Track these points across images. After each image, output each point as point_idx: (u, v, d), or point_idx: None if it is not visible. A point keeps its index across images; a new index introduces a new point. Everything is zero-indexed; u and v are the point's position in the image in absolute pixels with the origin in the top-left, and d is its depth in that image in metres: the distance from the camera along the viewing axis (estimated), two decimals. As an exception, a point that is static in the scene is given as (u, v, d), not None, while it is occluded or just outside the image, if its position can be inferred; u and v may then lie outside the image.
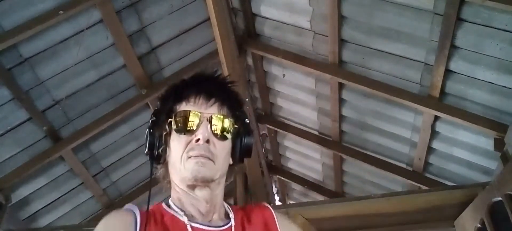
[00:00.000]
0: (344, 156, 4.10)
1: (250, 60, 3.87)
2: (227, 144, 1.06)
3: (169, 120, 1.05)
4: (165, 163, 1.09)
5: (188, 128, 1.02)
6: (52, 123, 3.24)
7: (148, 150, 1.06)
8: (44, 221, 3.64)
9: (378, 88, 3.15)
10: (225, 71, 3.11)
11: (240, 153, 1.10)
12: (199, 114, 1.03)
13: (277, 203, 5.33)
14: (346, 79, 3.29)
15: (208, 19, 3.36)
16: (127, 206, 1.06)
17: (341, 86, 3.44)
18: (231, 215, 1.07)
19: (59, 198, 3.64)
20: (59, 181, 3.57)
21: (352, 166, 4.26)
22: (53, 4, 2.74)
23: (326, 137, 4.07)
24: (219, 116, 1.04)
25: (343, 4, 2.90)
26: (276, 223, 1.09)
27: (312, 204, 3.56)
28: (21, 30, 2.69)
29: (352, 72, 3.25)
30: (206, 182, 1.01)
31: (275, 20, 3.37)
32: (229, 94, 1.11)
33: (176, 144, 1.03)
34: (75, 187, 3.70)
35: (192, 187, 1.02)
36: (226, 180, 1.10)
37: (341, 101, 3.60)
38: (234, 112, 1.09)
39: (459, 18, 2.52)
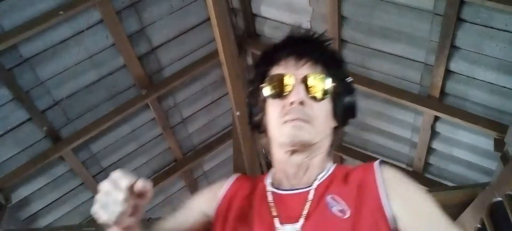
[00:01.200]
0: (344, 156, 4.10)
1: (250, 60, 3.87)
2: (325, 104, 1.00)
3: (262, 86, 1.02)
4: (265, 131, 1.05)
5: (281, 92, 0.98)
6: (52, 123, 3.24)
7: (248, 119, 1.06)
8: (44, 221, 3.64)
9: (378, 88, 3.15)
10: (225, 71, 3.11)
11: (342, 113, 1.03)
12: (291, 76, 0.98)
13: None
14: (346, 79, 3.29)
15: (208, 19, 3.36)
16: (224, 182, 1.09)
17: (341, 86, 3.44)
18: (321, 176, 0.99)
19: (59, 198, 3.64)
20: (59, 181, 3.57)
21: (352, 166, 4.26)
22: (53, 4, 2.74)
23: (326, 137, 4.07)
24: (312, 76, 0.98)
25: (343, 4, 2.90)
26: (376, 183, 0.93)
27: (312, 204, 3.56)
28: (21, 30, 2.69)
29: (352, 72, 3.24)
30: (305, 146, 0.96)
31: (275, 20, 3.37)
32: (324, 53, 1.04)
33: (271, 109, 1.00)
34: (75, 187, 3.70)
35: (290, 153, 0.98)
36: (333, 144, 1.04)
37: (341, 101, 3.59)
38: (330, 71, 1.02)
39: (459, 18, 2.52)
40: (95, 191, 4.01)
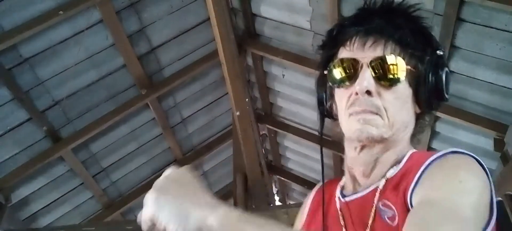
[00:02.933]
0: (344, 156, 4.09)
1: (250, 60, 3.87)
2: (402, 90, 0.82)
3: (325, 73, 0.88)
4: (337, 118, 0.90)
5: (345, 79, 0.83)
6: (52, 123, 3.24)
7: (318, 106, 0.92)
8: (44, 221, 3.64)
9: (378, 88, 3.15)
10: (225, 71, 3.11)
11: (427, 97, 0.84)
12: (356, 60, 0.82)
13: (277, 203, 5.33)
14: (346, 79, 3.29)
15: (208, 19, 3.36)
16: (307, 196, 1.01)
17: (341, 86, 3.44)
18: (391, 173, 0.82)
19: (59, 198, 3.64)
20: (59, 181, 3.57)
21: (352, 166, 4.25)
22: (53, 4, 2.74)
23: (326, 137, 4.06)
24: (382, 58, 0.80)
25: (343, 4, 2.90)
26: (416, 173, 0.75)
27: (312, 204, 3.56)
28: (21, 30, 2.69)
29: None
30: (374, 142, 0.82)
31: (275, 20, 3.37)
32: (398, 27, 0.84)
33: (338, 98, 0.86)
34: (75, 187, 3.70)
35: (361, 149, 0.84)
36: (417, 133, 0.88)
37: (341, 101, 3.59)
38: (407, 49, 0.83)
39: (459, 18, 2.52)
40: (95, 191, 4.02)
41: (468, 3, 2.44)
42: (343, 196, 0.88)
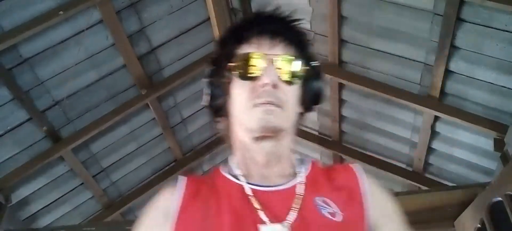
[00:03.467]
0: (344, 156, 4.10)
1: (250, 60, 3.86)
2: (296, 89, 0.93)
3: (230, 65, 0.93)
4: (227, 115, 0.97)
5: (253, 72, 0.90)
6: (52, 123, 3.24)
7: (208, 102, 0.97)
8: (44, 221, 3.64)
9: (378, 88, 3.15)
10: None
11: (310, 99, 0.97)
12: (264, 56, 0.90)
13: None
14: (346, 79, 3.29)
15: (208, 19, 3.36)
16: (176, 182, 0.94)
17: (341, 86, 3.44)
18: (301, 170, 0.94)
19: (59, 198, 3.64)
20: (59, 181, 3.57)
21: (352, 166, 4.25)
22: (53, 4, 2.74)
23: (326, 137, 4.07)
24: (287, 57, 0.91)
25: (343, 4, 2.90)
26: (361, 191, 0.93)
27: (312, 204, 3.56)
28: (21, 30, 2.68)
29: (352, 72, 3.25)
30: (275, 132, 0.90)
31: (275, 20, 3.36)
32: (296, 33, 0.97)
33: (240, 91, 0.91)
34: (75, 187, 3.70)
35: (259, 139, 0.90)
36: (296, 131, 0.99)
37: (341, 101, 3.60)
38: (302, 54, 0.95)
39: (459, 18, 2.52)
40: (95, 191, 4.01)
41: (468, 3, 2.44)
42: (253, 184, 0.91)
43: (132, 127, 3.70)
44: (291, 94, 0.92)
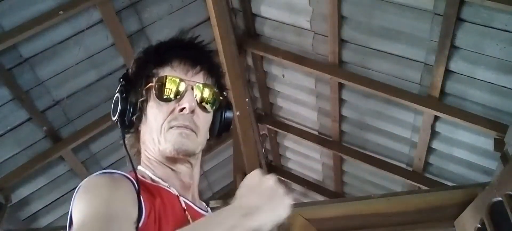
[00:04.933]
0: (344, 156, 4.10)
1: (250, 60, 3.87)
2: (209, 116, 1.00)
3: (149, 84, 0.95)
4: (137, 131, 1.00)
5: (172, 95, 0.93)
6: (52, 123, 3.24)
7: (119, 116, 0.97)
8: (44, 221, 3.64)
9: (378, 88, 3.15)
10: (225, 72, 3.11)
11: (220, 127, 1.04)
12: (185, 81, 0.94)
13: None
14: (346, 79, 3.29)
15: (208, 19, 3.36)
16: (114, 171, 0.88)
17: (341, 86, 3.44)
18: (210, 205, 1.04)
19: (59, 198, 3.64)
20: (59, 181, 3.57)
21: (352, 166, 4.26)
22: (53, 4, 2.74)
23: (326, 137, 4.07)
24: (206, 85, 0.96)
25: (343, 4, 2.90)
26: None
27: (312, 204, 3.57)
28: (21, 30, 2.69)
29: (352, 72, 3.25)
30: (187, 156, 0.94)
31: (275, 20, 3.37)
32: (213, 64, 1.03)
33: (156, 111, 0.94)
34: (75, 187, 3.69)
35: (173, 160, 0.94)
36: (202, 156, 1.04)
37: (341, 101, 3.60)
38: (219, 83, 1.02)
39: (459, 18, 2.52)
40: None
41: (468, 3, 2.44)
42: (186, 199, 0.94)
43: (132, 127, 3.70)
44: (205, 121, 0.97)
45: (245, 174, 3.97)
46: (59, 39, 2.93)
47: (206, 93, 0.96)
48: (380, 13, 2.81)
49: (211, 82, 0.99)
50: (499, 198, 2.46)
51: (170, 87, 0.94)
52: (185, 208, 0.91)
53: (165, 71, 0.96)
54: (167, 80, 0.94)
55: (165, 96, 0.94)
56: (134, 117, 0.98)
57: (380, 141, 3.72)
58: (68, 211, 0.85)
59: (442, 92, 2.92)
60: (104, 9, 2.93)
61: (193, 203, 0.96)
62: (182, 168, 0.96)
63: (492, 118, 2.80)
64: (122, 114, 0.97)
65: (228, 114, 1.05)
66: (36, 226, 3.60)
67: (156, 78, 0.95)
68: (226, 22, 3.06)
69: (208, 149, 1.04)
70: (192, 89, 0.94)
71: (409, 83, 3.05)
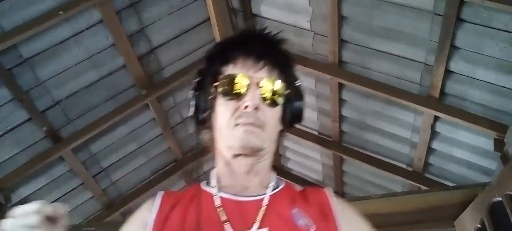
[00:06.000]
0: (344, 156, 4.10)
1: (250, 61, 3.86)
2: (278, 110, 0.98)
3: (215, 82, 0.97)
4: (210, 128, 1.01)
5: (236, 93, 0.94)
6: (52, 123, 3.24)
7: (193, 113, 1.01)
8: (44, 221, 3.64)
9: (378, 88, 3.15)
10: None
11: (291, 118, 1.02)
12: (248, 78, 0.94)
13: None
14: (346, 79, 3.29)
15: (208, 19, 3.37)
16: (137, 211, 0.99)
17: (341, 86, 3.44)
18: (273, 186, 0.99)
19: (59, 198, 3.64)
20: (59, 181, 3.57)
21: (352, 166, 4.26)
22: (53, 4, 2.74)
23: (326, 137, 4.07)
24: (269, 80, 0.95)
25: (343, 4, 2.90)
26: (333, 211, 0.96)
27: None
28: (21, 30, 2.68)
29: (352, 72, 3.25)
30: (254, 151, 0.94)
31: (275, 20, 3.37)
32: (280, 56, 1.01)
33: (223, 109, 0.95)
34: (75, 187, 3.70)
35: (238, 155, 0.95)
36: (277, 146, 1.04)
37: (341, 101, 3.60)
38: (285, 76, 1.00)
39: (459, 19, 2.52)
40: (95, 191, 4.02)
41: (468, 3, 2.44)
42: (226, 193, 0.96)
43: (132, 127, 3.70)
44: (272, 115, 0.97)
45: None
46: (59, 39, 2.93)
47: (270, 88, 0.95)
48: (380, 13, 2.81)
49: (276, 75, 0.98)
50: (499, 198, 2.46)
51: (233, 85, 0.94)
52: (219, 206, 0.93)
53: (229, 69, 0.97)
54: (230, 78, 0.95)
55: (229, 95, 0.95)
56: (205, 114, 1.00)
57: (380, 141, 3.72)
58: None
59: (442, 92, 2.92)
60: (104, 9, 2.93)
61: (239, 195, 0.95)
62: (245, 162, 0.96)
63: (492, 118, 2.80)
64: (195, 111, 1.01)
65: (298, 104, 1.03)
66: (36, 226, 3.60)
67: (221, 76, 0.97)
68: (226, 22, 3.07)
69: (281, 139, 1.05)
70: (256, 85, 0.94)
71: (409, 83, 3.05)
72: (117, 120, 3.47)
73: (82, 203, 3.81)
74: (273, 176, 1.02)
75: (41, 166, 3.29)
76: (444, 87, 2.90)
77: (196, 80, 1.02)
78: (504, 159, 2.67)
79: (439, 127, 3.20)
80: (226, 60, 0.98)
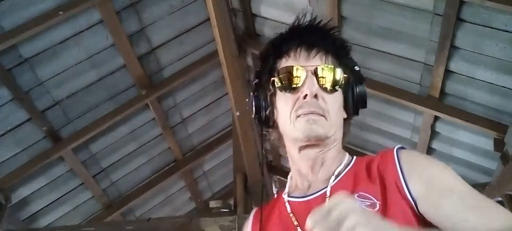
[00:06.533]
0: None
1: (250, 60, 3.87)
2: (338, 96, 0.96)
3: (272, 78, 0.97)
4: (275, 126, 1.00)
5: (293, 85, 0.93)
6: (52, 123, 3.24)
7: (255, 114, 1.00)
8: (44, 221, 3.64)
9: (378, 88, 3.15)
10: (225, 71, 3.11)
11: (353, 104, 0.99)
12: (303, 68, 0.93)
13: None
14: (346, 79, 3.29)
15: (208, 19, 3.36)
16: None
17: (341, 86, 3.44)
18: (339, 171, 0.95)
19: (59, 198, 3.64)
20: (59, 181, 3.57)
21: (352, 166, 4.26)
22: (53, 4, 2.74)
23: (326, 137, 4.07)
24: (324, 67, 0.94)
25: (343, 4, 2.90)
26: (395, 169, 0.88)
27: (312, 204, 3.56)
28: (21, 30, 2.69)
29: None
30: (319, 140, 0.93)
31: (275, 20, 3.37)
32: (333, 42, 1.00)
33: (283, 103, 0.95)
34: (75, 187, 3.70)
35: (305, 147, 0.94)
36: (345, 135, 1.02)
37: (341, 101, 3.59)
38: (341, 61, 0.99)
39: (458, 19, 2.52)
40: (95, 191, 4.00)
41: (468, 3, 2.44)
42: (295, 197, 0.97)
43: (132, 127, 3.70)
44: (333, 102, 0.94)
45: (245, 174, 3.98)
46: (59, 39, 2.93)
47: (326, 74, 0.94)
48: (380, 13, 2.81)
49: (331, 61, 0.97)
50: (499, 198, 2.46)
51: (289, 77, 0.94)
52: (290, 212, 0.95)
53: (283, 63, 0.97)
54: (285, 71, 0.95)
55: (286, 88, 0.94)
56: (267, 112, 0.99)
57: (380, 141, 3.72)
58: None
59: (442, 92, 2.92)
60: (104, 9, 2.93)
61: (303, 197, 0.95)
62: (311, 153, 0.95)
63: (492, 118, 2.80)
64: (257, 111, 1.00)
65: (360, 89, 0.99)
66: (36, 226, 3.60)
67: (277, 71, 0.97)
68: (226, 22, 3.06)
69: (347, 128, 1.04)
70: (314, 73, 0.93)
71: (409, 83, 3.05)
72: (117, 120, 3.47)
73: (82, 203, 3.81)
74: (341, 161, 0.98)
75: (41, 166, 3.29)
76: (444, 87, 2.90)
77: (254, 81, 1.02)
78: (504, 159, 2.67)
79: (439, 127, 3.20)
80: (279, 55, 0.98)
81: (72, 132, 3.35)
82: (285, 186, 1.03)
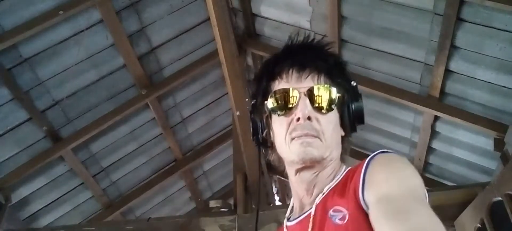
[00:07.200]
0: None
1: (250, 60, 3.87)
2: (333, 115, 0.94)
3: (266, 101, 0.97)
4: (274, 148, 1.00)
5: (286, 107, 0.93)
6: (52, 123, 3.24)
7: (253, 135, 1.01)
8: (44, 221, 3.64)
9: (378, 88, 3.15)
10: (225, 71, 3.11)
11: (350, 121, 0.97)
12: (295, 90, 0.92)
13: (277, 203, 5.33)
14: (346, 79, 3.29)
15: (208, 19, 3.36)
16: None
17: (341, 86, 3.44)
18: (328, 187, 0.92)
19: (59, 198, 3.64)
20: (59, 181, 3.57)
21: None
22: (53, 4, 2.74)
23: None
24: (317, 88, 0.93)
25: (343, 4, 2.90)
26: (360, 176, 0.84)
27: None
28: (21, 30, 2.69)
29: (352, 72, 3.22)
30: (315, 162, 0.92)
31: (275, 20, 3.37)
32: (326, 60, 0.97)
33: (278, 125, 0.95)
34: (75, 187, 3.70)
35: (301, 170, 0.94)
36: (345, 151, 1.00)
37: (341, 101, 3.59)
38: (335, 79, 0.96)
39: (459, 18, 2.52)
40: (95, 191, 4.01)
41: (468, 3, 2.44)
42: (292, 220, 0.98)
43: (132, 126, 3.70)
44: (327, 122, 0.93)
45: (245, 174, 3.98)
46: (59, 39, 2.93)
47: (319, 95, 0.92)
48: (380, 13, 2.81)
49: (324, 81, 0.95)
50: (499, 198, 2.46)
51: (282, 100, 0.93)
52: None
53: (275, 85, 0.97)
54: (277, 93, 0.94)
55: (279, 110, 0.94)
56: (264, 134, 1.00)
57: (380, 141, 3.72)
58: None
59: (442, 92, 2.92)
60: (104, 9, 2.93)
61: (296, 218, 0.97)
62: (307, 175, 0.94)
63: (492, 118, 2.80)
64: (254, 133, 1.01)
65: (356, 105, 0.97)
66: (36, 226, 3.60)
67: (270, 94, 0.96)
68: (226, 22, 3.05)
69: (347, 144, 1.01)
70: (306, 95, 0.92)
71: (409, 83, 3.05)
72: (117, 119, 3.47)
73: (82, 203, 3.81)
74: (335, 176, 0.95)
75: (41, 166, 3.29)
76: (444, 87, 2.90)
77: (251, 102, 1.02)
78: (504, 158, 2.67)
79: (439, 127, 3.20)
80: (272, 77, 0.98)
81: (72, 131, 3.35)
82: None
